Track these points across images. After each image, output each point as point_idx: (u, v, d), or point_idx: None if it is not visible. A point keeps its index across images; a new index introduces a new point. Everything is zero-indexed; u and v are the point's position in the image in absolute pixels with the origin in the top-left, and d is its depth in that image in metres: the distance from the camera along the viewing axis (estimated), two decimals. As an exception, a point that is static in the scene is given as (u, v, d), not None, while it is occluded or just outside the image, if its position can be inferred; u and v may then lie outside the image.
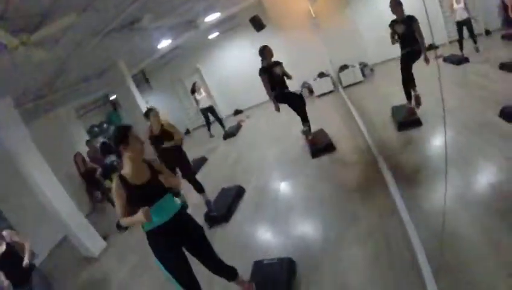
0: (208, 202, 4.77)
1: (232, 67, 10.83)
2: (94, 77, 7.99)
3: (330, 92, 8.36)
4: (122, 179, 2.23)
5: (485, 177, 3.04)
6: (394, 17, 4.51)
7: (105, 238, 6.23)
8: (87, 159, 7.35)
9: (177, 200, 2.51)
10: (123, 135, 2.26)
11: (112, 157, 11.30)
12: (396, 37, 4.55)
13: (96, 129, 11.65)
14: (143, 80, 12.17)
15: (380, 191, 3.52)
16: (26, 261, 3.31)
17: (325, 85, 8.40)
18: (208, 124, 9.51)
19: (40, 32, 2.90)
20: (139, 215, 2.02)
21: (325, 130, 5.63)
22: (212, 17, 7.09)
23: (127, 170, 2.28)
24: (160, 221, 2.24)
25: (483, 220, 2.50)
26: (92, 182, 6.63)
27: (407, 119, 4.69)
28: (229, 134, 8.98)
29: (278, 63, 5.28)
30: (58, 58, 4.64)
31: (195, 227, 2.51)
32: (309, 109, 5.42)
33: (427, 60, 4.40)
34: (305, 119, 5.36)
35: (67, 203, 5.61)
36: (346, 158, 4.71)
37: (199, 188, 4.73)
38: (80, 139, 10.09)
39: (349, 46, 8.03)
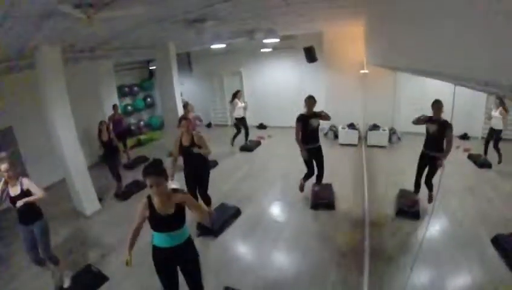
0: (209, 214, 5.35)
1: (271, 82, 11.35)
2: (142, 47, 8.63)
3: (353, 145, 8.74)
4: (150, 203, 2.74)
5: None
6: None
7: (100, 200, 6.83)
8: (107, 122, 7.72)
9: (187, 231, 2.96)
10: (143, 173, 2.68)
11: (131, 120, 12.00)
12: (421, 121, 4.89)
13: (126, 89, 12.25)
14: (186, 62, 12.80)
15: (355, 264, 4.06)
16: (21, 202, 3.87)
17: (351, 137, 8.80)
18: (236, 135, 9.79)
19: (106, 12, 3.16)
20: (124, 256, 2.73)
21: (332, 186, 6.13)
22: (271, 40, 7.61)
23: (155, 199, 2.72)
24: (161, 245, 2.82)
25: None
26: (110, 152, 7.06)
27: (407, 209, 5.08)
28: (247, 148, 9.54)
29: (317, 115, 5.47)
30: (115, 31, 5.07)
31: (192, 257, 3.02)
32: (328, 156, 5.79)
33: (440, 164, 4.70)
34: (320, 179, 5.82)
35: (77, 155, 6.19)
36: (341, 221, 5.19)
37: (208, 202, 5.32)
38: (108, 93, 10.80)
39: (385, 109, 8.46)
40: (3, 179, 3.89)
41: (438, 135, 4.72)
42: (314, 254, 4.41)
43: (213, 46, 8.72)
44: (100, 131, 6.90)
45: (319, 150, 5.63)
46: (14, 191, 3.92)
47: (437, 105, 4.71)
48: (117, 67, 11.55)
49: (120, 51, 8.32)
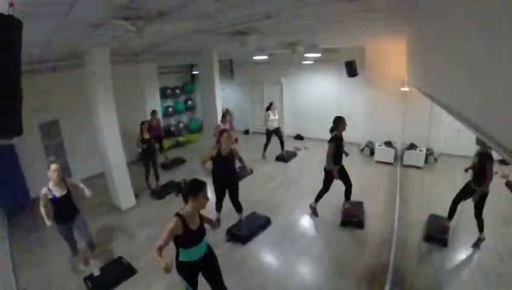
0: (240, 221, 5.74)
1: (311, 94, 11.48)
2: (185, 53, 9.08)
3: (389, 163, 8.69)
4: (183, 220, 2.97)
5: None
6: None
7: (136, 196, 7.30)
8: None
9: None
10: (198, 188, 3.02)
11: (171, 122, 12.53)
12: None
13: (168, 91, 12.87)
14: (228, 68, 13.21)
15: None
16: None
17: (387, 155, 8.75)
18: (267, 145, 9.98)
19: (155, 26, 3.46)
20: (162, 263, 2.66)
21: (363, 205, 6.19)
22: (313, 55, 7.77)
23: (187, 214, 3.01)
24: (191, 259, 3.11)
25: None
26: (149, 152, 7.54)
27: (436, 235, 4.98)
28: (282, 158, 9.73)
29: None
30: (160, 38, 5.44)
31: (213, 262, 3.36)
32: (363, 173, 5.92)
33: (475, 198, 4.56)
34: (348, 198, 5.97)
35: (118, 151, 6.65)
36: (368, 242, 5.24)
37: (239, 209, 5.68)
38: (151, 94, 11.43)
39: (423, 128, 8.30)
40: (47, 186, 4.30)
41: (478, 167, 4.58)
42: (337, 274, 4.51)
43: (255, 58, 9.00)
44: (142, 130, 7.38)
45: (344, 170, 5.86)
46: (60, 191, 4.35)
47: (478, 140, 4.52)
48: (161, 69, 12.09)
49: (164, 56, 8.84)
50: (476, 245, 4.69)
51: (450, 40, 1.87)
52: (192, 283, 3.19)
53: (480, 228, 4.68)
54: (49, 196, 4.25)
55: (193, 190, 3.02)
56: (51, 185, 4.29)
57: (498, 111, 1.11)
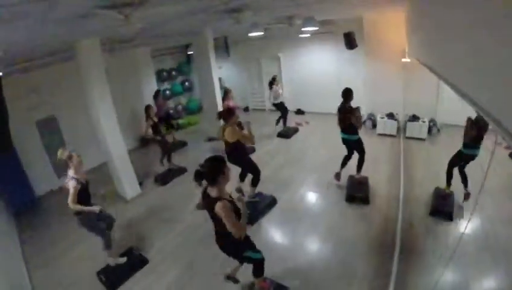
0: (254, 195, 5.88)
1: (310, 68, 11.31)
2: (179, 34, 8.84)
3: (392, 136, 8.68)
4: (230, 201, 2.95)
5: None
6: None
7: (140, 184, 7.32)
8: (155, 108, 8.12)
9: None
10: (224, 163, 2.96)
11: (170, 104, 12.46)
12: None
13: (164, 74, 12.73)
14: (223, 46, 12.98)
15: (383, 262, 4.21)
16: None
17: (389, 128, 8.72)
18: (285, 117, 10.02)
19: (144, 11, 3.26)
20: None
21: (368, 180, 6.19)
22: (310, 28, 7.61)
23: (222, 193, 3.00)
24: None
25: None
26: (160, 134, 7.57)
27: (441, 209, 5.04)
28: (284, 135, 9.74)
29: (352, 109, 5.57)
30: (151, 23, 5.11)
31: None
32: (366, 146, 5.90)
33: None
34: (360, 168, 6.04)
35: (118, 140, 6.62)
36: (374, 217, 5.31)
37: (256, 183, 5.73)
38: (147, 79, 11.28)
39: (426, 99, 8.26)
40: (72, 177, 4.11)
41: (478, 137, 4.67)
42: (345, 249, 4.61)
43: (251, 34, 8.83)
44: (149, 115, 7.33)
45: (356, 142, 5.86)
46: (84, 177, 4.29)
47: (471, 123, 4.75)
48: (155, 52, 11.93)
49: (156, 39, 8.63)
50: (465, 199, 5.08)
51: (450, 11, 1.86)
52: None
53: (465, 184, 5.08)
54: (79, 186, 4.08)
55: (220, 165, 2.95)
56: (73, 173, 4.11)
57: (495, 85, 1.14)
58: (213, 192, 2.98)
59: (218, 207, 2.85)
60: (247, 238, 3.36)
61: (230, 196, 3.12)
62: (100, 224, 4.42)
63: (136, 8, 3.22)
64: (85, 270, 4.80)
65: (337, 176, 6.28)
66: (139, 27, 3.62)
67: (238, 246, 3.29)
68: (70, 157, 4.11)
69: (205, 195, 3.06)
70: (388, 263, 4.17)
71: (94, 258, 4.91)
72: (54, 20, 3.20)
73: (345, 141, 5.95)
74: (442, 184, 5.48)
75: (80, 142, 8.23)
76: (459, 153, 5.02)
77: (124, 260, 4.77)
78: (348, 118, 5.57)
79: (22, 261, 5.28)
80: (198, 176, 2.98)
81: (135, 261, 4.85)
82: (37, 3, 2.50)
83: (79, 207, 4.04)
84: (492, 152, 4.38)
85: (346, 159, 6.16)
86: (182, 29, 7.56)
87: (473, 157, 4.82)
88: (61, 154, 4.11)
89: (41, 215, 6.78)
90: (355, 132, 5.71)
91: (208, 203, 3.00)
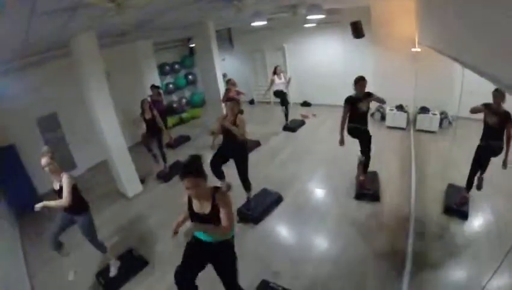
0: (249, 200, 5.49)
1: (316, 58, 11.02)
2: (181, 27, 8.57)
3: (401, 128, 8.42)
4: (189, 201, 2.82)
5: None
6: None
7: (142, 181, 7.18)
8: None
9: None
10: (199, 165, 2.62)
11: (173, 98, 12.26)
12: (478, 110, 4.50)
13: (167, 67, 12.54)
14: (226, 38, 12.75)
15: (395, 264, 3.98)
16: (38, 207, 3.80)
17: (399, 120, 8.45)
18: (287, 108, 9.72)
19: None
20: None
21: (378, 175, 5.97)
22: (315, 16, 7.36)
23: (193, 200, 2.80)
24: (197, 235, 2.88)
25: None
26: (153, 130, 7.28)
27: (456, 207, 4.74)
28: (290, 128, 9.50)
29: (369, 95, 5.28)
30: (148, 14, 4.92)
31: (224, 260, 2.97)
32: (375, 139, 5.59)
33: (505, 164, 4.34)
34: (366, 168, 5.66)
35: (117, 138, 6.45)
36: (385, 215, 5.07)
37: (248, 188, 5.34)
38: (149, 73, 11.09)
39: (437, 91, 7.88)
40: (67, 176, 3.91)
41: (499, 127, 4.29)
42: (354, 249, 4.40)
43: (253, 24, 8.59)
44: (143, 110, 7.13)
45: (365, 132, 5.40)
46: (56, 185, 3.98)
47: (497, 93, 4.22)
48: (157, 46, 11.73)
49: (156, 32, 8.35)
50: (479, 186, 4.78)
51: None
52: (185, 257, 3.13)
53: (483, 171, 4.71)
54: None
55: (199, 168, 2.62)
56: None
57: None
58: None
59: (225, 195, 2.77)
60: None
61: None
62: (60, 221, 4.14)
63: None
64: (84, 272, 4.71)
65: (362, 182, 5.75)
66: (134, 17, 3.41)
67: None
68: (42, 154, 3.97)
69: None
70: (400, 263, 3.96)
71: (94, 260, 4.84)
72: (42, 12, 3.01)
73: (355, 130, 5.38)
74: (455, 180, 5.23)
75: (80, 139, 8.13)
76: (479, 149, 4.58)
77: (117, 264, 4.59)
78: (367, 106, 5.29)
79: (23, 261, 5.19)
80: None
81: (134, 263, 4.72)
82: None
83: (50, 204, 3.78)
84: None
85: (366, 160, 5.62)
86: (181, 21, 7.30)
87: (494, 151, 4.42)
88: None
89: (43, 214, 6.67)
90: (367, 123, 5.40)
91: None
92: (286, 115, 9.64)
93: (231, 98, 5.22)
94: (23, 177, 7.09)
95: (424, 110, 8.05)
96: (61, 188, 3.86)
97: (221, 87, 9.10)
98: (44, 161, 3.86)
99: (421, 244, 4.26)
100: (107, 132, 6.21)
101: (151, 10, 4.40)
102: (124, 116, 9.07)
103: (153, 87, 9.05)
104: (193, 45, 12.02)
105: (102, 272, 4.57)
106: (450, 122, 7.95)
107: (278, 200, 5.79)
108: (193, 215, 2.82)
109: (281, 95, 9.36)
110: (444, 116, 7.95)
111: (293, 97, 11.30)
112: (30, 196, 6.80)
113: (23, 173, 7.10)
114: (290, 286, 3.84)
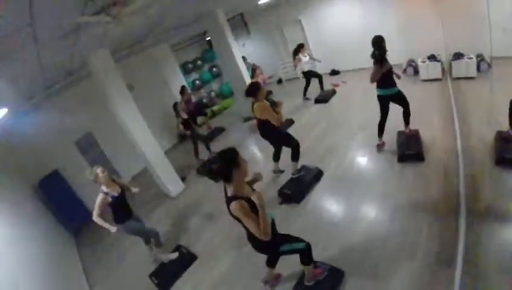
0: (298, 170, 5.67)
1: (335, 24, 10.61)
2: (191, 22, 8.55)
3: (437, 79, 7.87)
4: (246, 200, 2.58)
5: None
6: None
7: (183, 179, 7.44)
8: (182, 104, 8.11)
9: None
10: (235, 154, 2.60)
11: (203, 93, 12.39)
12: None
13: (190, 66, 12.65)
14: (241, 23, 12.57)
15: (449, 228, 3.73)
16: (135, 189, 4.66)
17: (433, 71, 7.90)
18: (307, 88, 9.79)
19: (131, 7, 3.06)
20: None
21: (419, 133, 5.61)
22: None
23: (239, 190, 2.64)
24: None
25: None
26: (191, 128, 7.65)
27: (508, 155, 4.29)
28: (321, 100, 9.31)
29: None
30: (152, 18, 4.98)
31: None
32: (411, 95, 5.37)
33: None
34: (407, 121, 5.52)
35: (152, 144, 6.68)
36: (432, 174, 4.76)
37: (296, 157, 5.52)
38: (173, 74, 11.30)
39: (469, 32, 7.12)
40: (102, 191, 4.26)
41: None
42: (403, 217, 4.17)
43: (260, 2, 8.34)
44: (177, 112, 7.34)
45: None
46: (117, 190, 4.36)
47: None
48: (174, 46, 11.88)
49: (169, 32, 8.38)
50: None
51: None
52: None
53: None
54: (109, 199, 4.24)
55: (232, 159, 2.59)
56: (105, 188, 4.27)
57: None
58: (229, 189, 2.67)
59: (233, 209, 2.57)
60: (275, 235, 2.97)
61: (252, 189, 2.79)
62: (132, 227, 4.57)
63: (123, 5, 3.03)
64: (138, 275, 5.03)
65: (380, 147, 5.75)
66: (139, 23, 3.42)
67: (269, 245, 2.89)
68: (96, 176, 4.22)
69: (225, 193, 2.75)
70: (454, 227, 3.69)
71: (145, 262, 5.17)
72: (45, 42, 3.11)
73: (383, 98, 5.26)
74: (503, 127, 4.72)
75: (120, 151, 8.45)
76: None
77: (175, 255, 4.92)
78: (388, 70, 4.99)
79: (82, 275, 5.68)
80: (211, 173, 2.70)
81: (184, 258, 4.93)
82: (20, 31, 2.41)
83: (100, 221, 4.19)
84: None
85: (382, 124, 5.54)
86: (189, 15, 7.20)
87: None
88: (90, 175, 4.24)
89: (96, 229, 7.09)
90: (393, 83, 5.14)
91: (226, 202, 2.69)
92: (321, 86, 9.59)
93: (252, 84, 5.20)
94: (74, 198, 7.62)
95: (458, 56, 7.43)
96: (122, 191, 4.46)
97: (245, 73, 9.11)
98: (100, 169, 4.29)
99: (475, 202, 3.95)
100: (141, 142, 6.44)
101: (154, 12, 4.37)
102: (162, 122, 9.41)
103: (183, 87, 9.21)
104: (209, 38, 12.04)
105: (155, 273, 4.84)
106: (488, 65, 7.27)
107: (318, 175, 5.69)
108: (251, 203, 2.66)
109: (311, 75, 9.31)
110: (480, 58, 7.30)
111: (320, 68, 10.95)
112: (84, 214, 7.26)
113: (72, 194, 7.61)
114: (341, 261, 3.79)
